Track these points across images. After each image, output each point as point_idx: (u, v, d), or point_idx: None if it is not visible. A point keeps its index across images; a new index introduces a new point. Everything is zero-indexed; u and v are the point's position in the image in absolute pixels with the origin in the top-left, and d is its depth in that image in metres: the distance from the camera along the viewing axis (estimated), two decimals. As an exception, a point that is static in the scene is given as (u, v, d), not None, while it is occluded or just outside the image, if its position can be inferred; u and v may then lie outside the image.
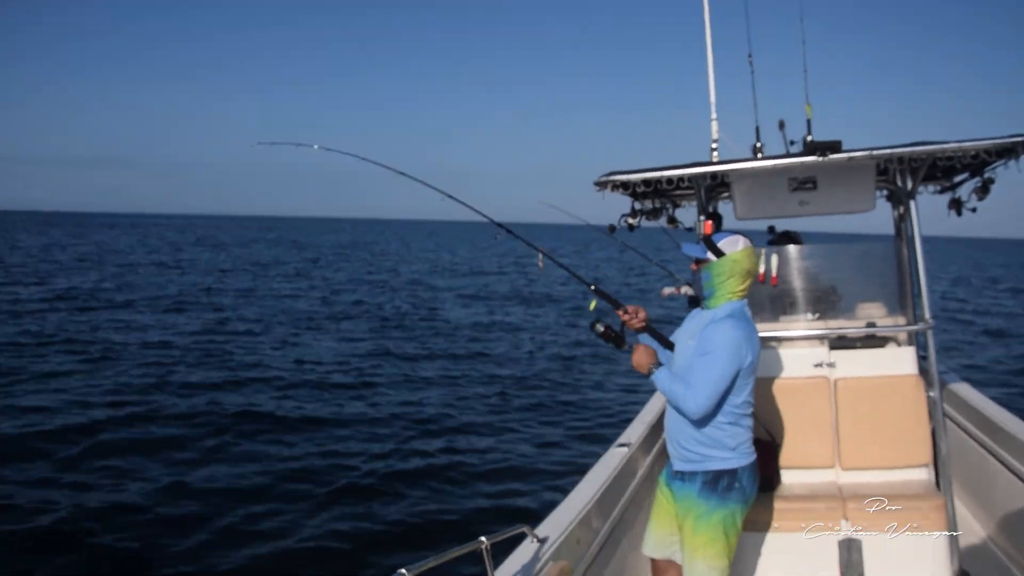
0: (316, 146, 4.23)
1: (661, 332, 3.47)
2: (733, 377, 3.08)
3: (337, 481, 8.76)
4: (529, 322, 22.86)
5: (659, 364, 3.26)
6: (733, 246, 3.24)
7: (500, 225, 3.81)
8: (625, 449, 4.50)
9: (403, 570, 2.23)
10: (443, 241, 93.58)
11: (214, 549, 6.96)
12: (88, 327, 18.79)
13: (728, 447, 3.18)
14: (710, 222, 3.33)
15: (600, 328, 3.31)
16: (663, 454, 4.95)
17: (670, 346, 3.39)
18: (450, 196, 3.86)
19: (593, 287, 3.41)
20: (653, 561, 3.49)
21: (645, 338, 3.45)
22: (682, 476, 3.27)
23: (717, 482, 3.16)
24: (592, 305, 3.37)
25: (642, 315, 3.37)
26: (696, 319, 3.35)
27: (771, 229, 6.34)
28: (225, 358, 15.62)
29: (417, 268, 45.46)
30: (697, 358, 3.12)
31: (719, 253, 3.23)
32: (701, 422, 3.17)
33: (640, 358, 3.28)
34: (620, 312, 3.35)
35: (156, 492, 8.18)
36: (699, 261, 3.29)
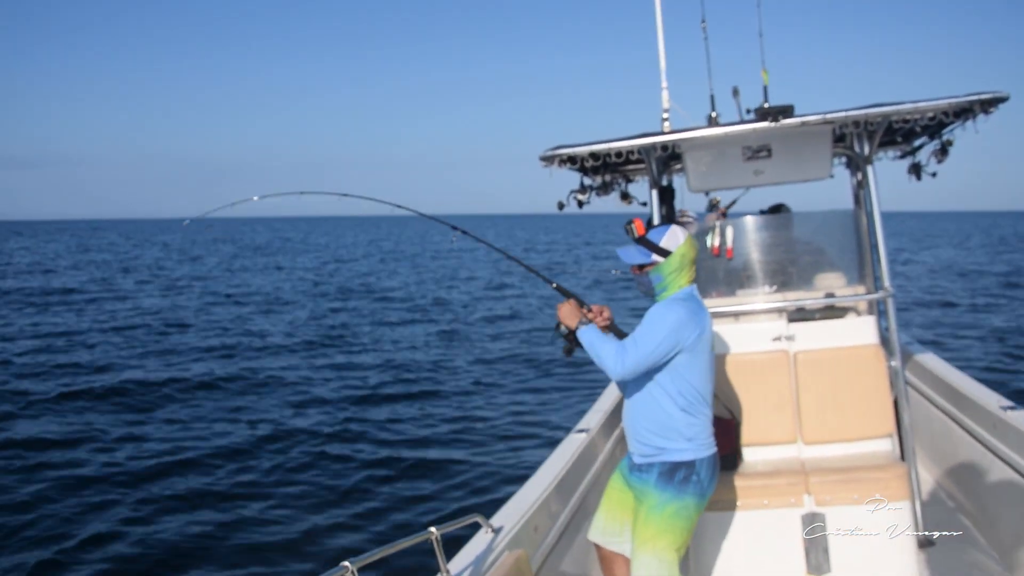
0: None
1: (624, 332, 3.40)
2: (669, 352, 2.99)
3: (278, 459, 8.56)
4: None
5: (588, 321, 3.16)
6: (676, 240, 3.10)
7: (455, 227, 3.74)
8: (584, 435, 4.40)
9: (347, 562, 2.11)
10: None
11: (150, 528, 6.80)
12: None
13: (684, 437, 3.08)
14: (640, 221, 3.12)
15: (564, 330, 3.22)
16: (623, 440, 4.86)
17: None
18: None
19: (555, 285, 3.34)
20: (598, 548, 3.38)
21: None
22: (640, 468, 3.18)
23: (673, 473, 3.07)
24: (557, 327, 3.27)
25: (607, 314, 3.29)
26: None
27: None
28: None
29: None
30: (637, 329, 3.05)
31: (665, 252, 3.09)
32: (650, 409, 3.09)
33: (570, 310, 3.18)
34: (584, 311, 3.23)
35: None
36: (644, 266, 3.14)
